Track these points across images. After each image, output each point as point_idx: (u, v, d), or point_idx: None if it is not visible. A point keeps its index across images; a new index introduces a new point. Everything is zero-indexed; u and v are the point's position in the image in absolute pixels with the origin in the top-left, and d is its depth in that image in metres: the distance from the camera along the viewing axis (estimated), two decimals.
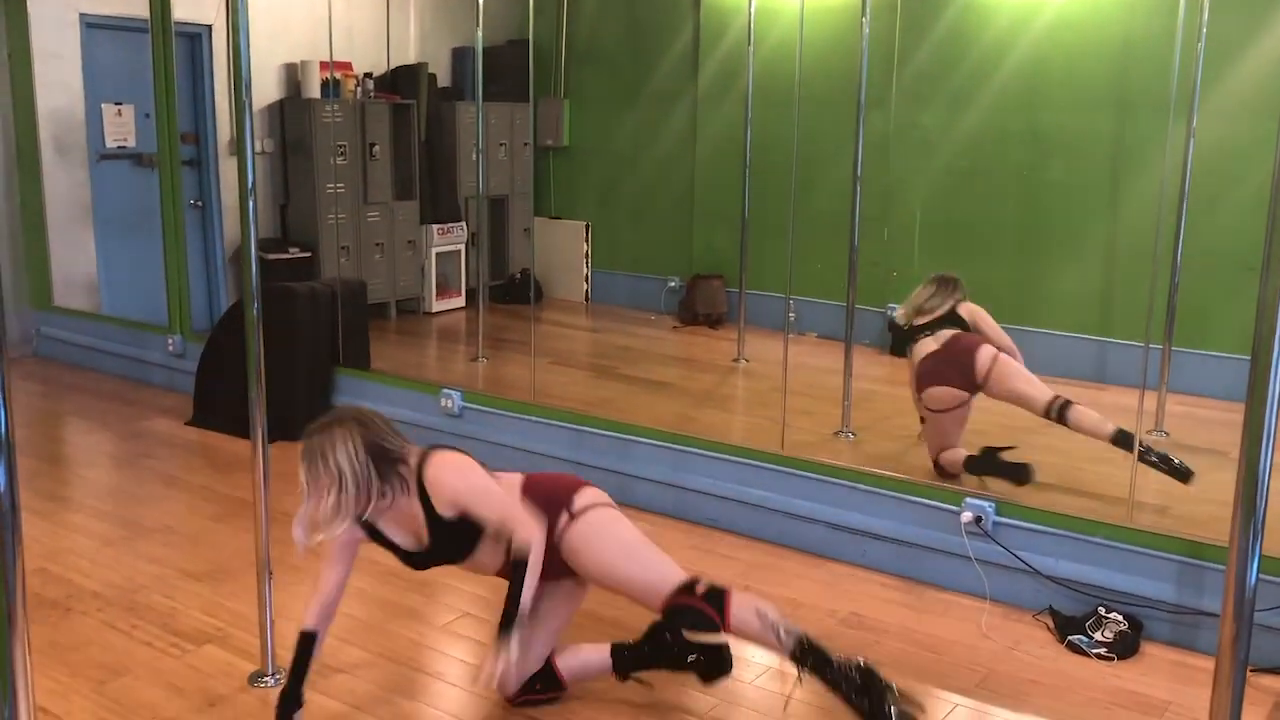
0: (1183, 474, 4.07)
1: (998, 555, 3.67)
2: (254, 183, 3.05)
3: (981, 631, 3.49)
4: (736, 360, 6.43)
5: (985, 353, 4.39)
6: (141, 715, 2.92)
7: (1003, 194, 6.27)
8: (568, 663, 2.93)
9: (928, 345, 4.53)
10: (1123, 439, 4.13)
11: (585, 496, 2.88)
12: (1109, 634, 3.34)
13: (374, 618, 3.54)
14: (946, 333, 4.53)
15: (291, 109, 6.86)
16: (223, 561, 3.93)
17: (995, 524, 3.69)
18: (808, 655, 2.65)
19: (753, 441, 4.48)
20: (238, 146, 3.07)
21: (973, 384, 4.38)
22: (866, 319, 6.35)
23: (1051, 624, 3.48)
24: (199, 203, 6.44)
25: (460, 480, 2.75)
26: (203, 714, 2.94)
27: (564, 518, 2.81)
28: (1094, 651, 3.32)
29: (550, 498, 2.84)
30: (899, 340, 4.78)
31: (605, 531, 2.82)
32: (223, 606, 3.57)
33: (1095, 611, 3.43)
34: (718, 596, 2.74)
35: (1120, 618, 3.39)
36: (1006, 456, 4.23)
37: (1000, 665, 3.29)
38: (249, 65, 3.03)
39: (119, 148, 6.74)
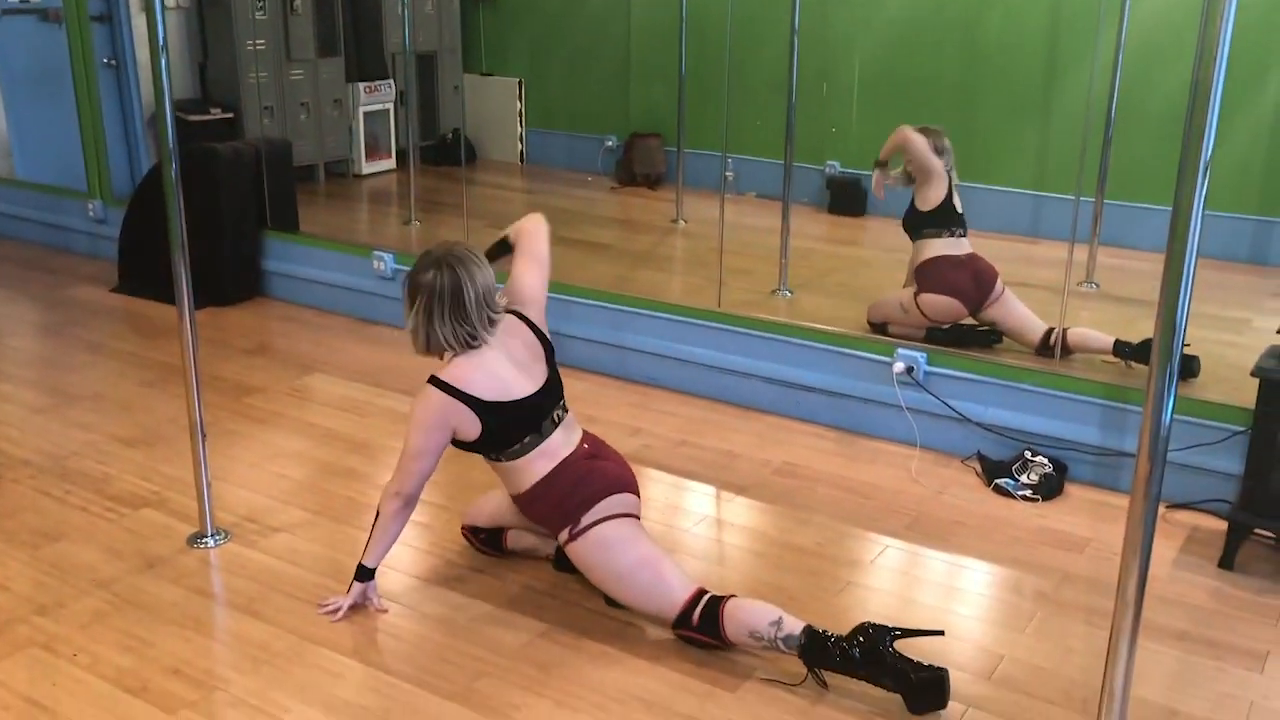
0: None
1: (928, 404, 3.74)
2: (165, 40, 2.89)
3: (912, 477, 3.58)
4: (675, 221, 6.38)
5: (999, 279, 4.21)
6: (80, 577, 2.92)
7: (943, 48, 6.18)
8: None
9: (944, 248, 4.23)
10: (1120, 347, 4.00)
11: (596, 511, 2.67)
12: (1034, 476, 3.45)
13: (312, 478, 3.54)
14: (966, 243, 4.25)
15: None
16: (155, 427, 3.89)
17: (926, 373, 3.75)
18: (811, 655, 2.48)
19: (690, 300, 4.48)
20: (145, 1, 2.90)
21: (980, 304, 4.19)
22: (806, 176, 6.31)
23: (979, 468, 3.59)
24: (113, 61, 6.13)
25: (414, 412, 2.70)
26: (142, 574, 2.94)
27: (565, 535, 2.70)
28: (1020, 493, 3.43)
29: (560, 507, 2.70)
30: (911, 224, 4.34)
31: (600, 556, 2.67)
32: (157, 471, 3.54)
33: (1022, 455, 3.53)
34: (713, 621, 2.57)
35: (1046, 461, 3.50)
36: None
37: (929, 508, 3.39)
38: None
39: (21, 2, 6.38)
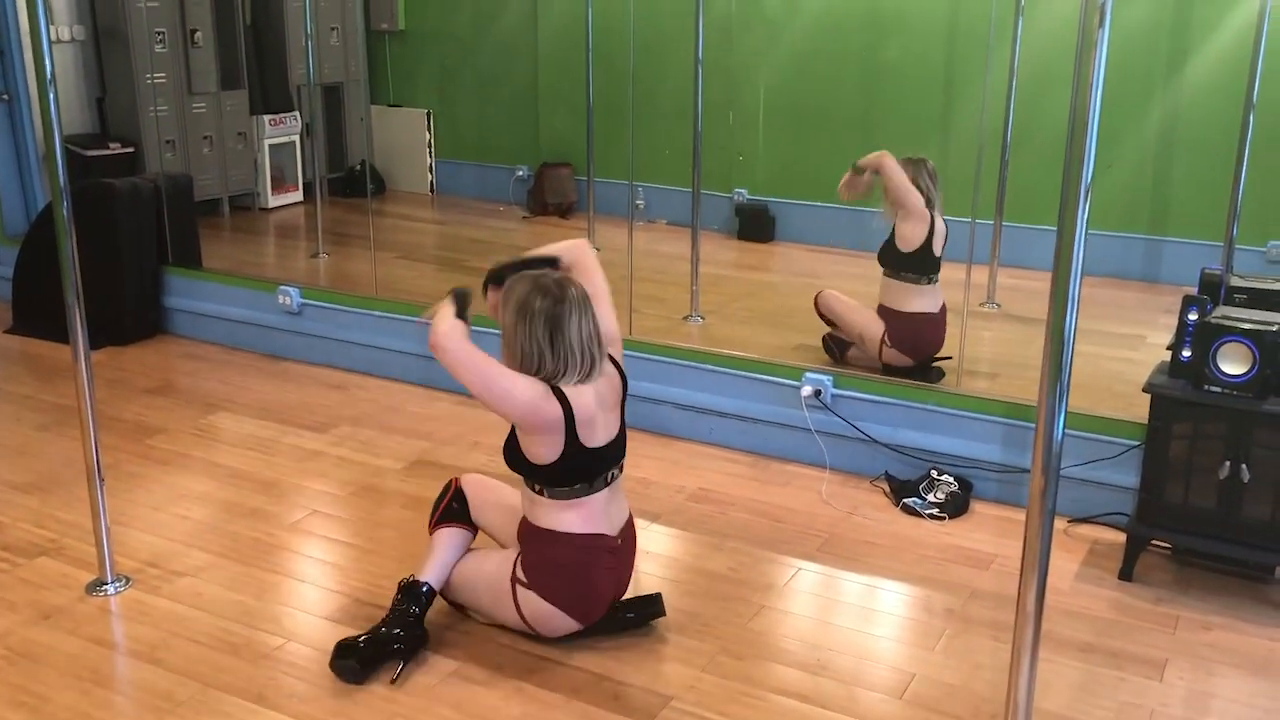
0: None
1: (837, 426, 3.80)
2: (53, 74, 2.83)
3: (822, 499, 3.62)
4: None
5: None
6: None
7: (844, 75, 6.31)
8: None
9: (921, 302, 4.19)
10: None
11: (559, 610, 2.71)
12: (941, 495, 3.52)
13: (217, 519, 3.46)
14: (939, 293, 4.22)
15: None
16: (51, 471, 3.76)
17: (834, 396, 3.81)
18: None
19: None
20: (31, 36, 2.83)
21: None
22: (715, 204, 6.38)
23: (887, 488, 3.64)
24: (5, 95, 5.97)
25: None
26: (37, 626, 2.84)
27: (520, 571, 2.71)
28: (927, 512, 3.49)
29: (550, 568, 2.71)
30: (887, 260, 4.27)
31: (505, 602, 2.75)
32: (53, 517, 3.43)
33: (928, 474, 3.59)
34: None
35: (951, 479, 3.56)
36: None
37: (840, 530, 3.43)
38: None
39: None
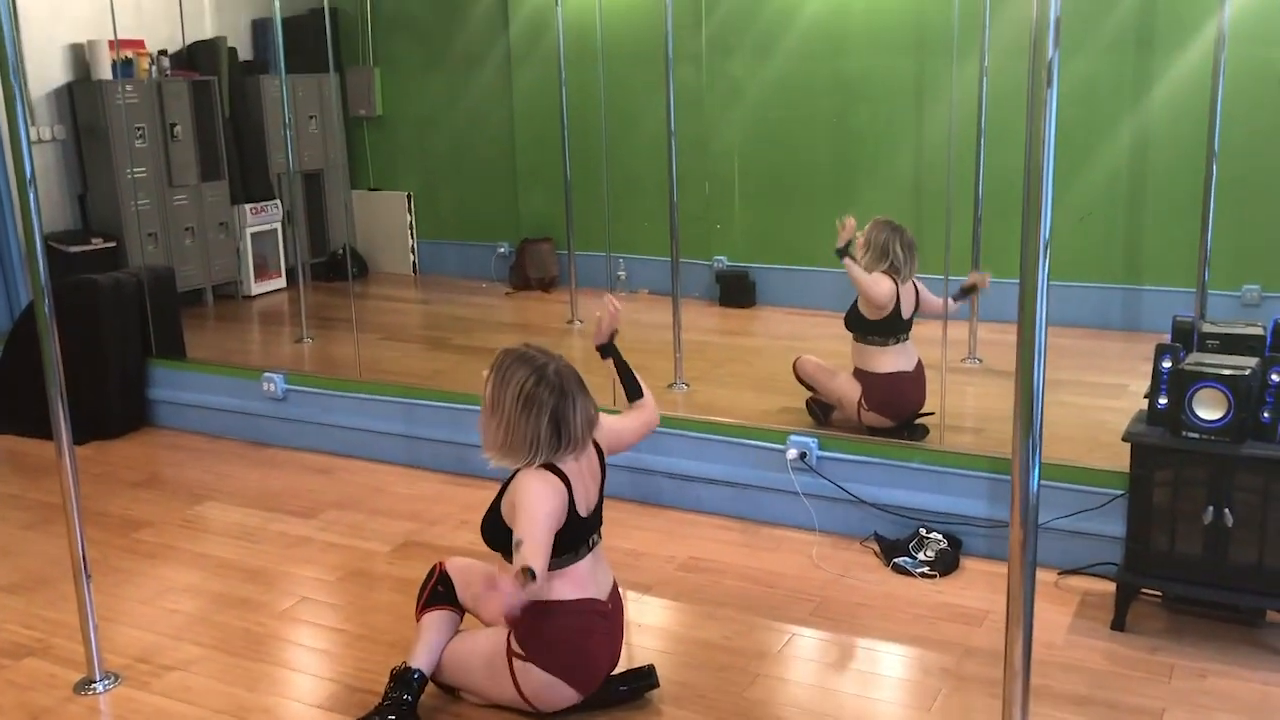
0: None
1: (823, 488, 3.80)
2: (33, 173, 2.88)
3: (813, 562, 3.62)
4: (571, 322, 6.44)
5: None
6: None
7: (813, 140, 6.43)
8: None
9: (894, 361, 4.23)
10: None
11: (555, 679, 2.71)
12: (930, 553, 3.51)
13: (206, 611, 3.43)
14: (913, 350, 4.28)
15: (81, 92, 6.47)
16: (37, 570, 3.74)
17: (819, 458, 3.82)
18: None
19: None
20: (10, 135, 2.87)
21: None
22: (695, 272, 6.45)
23: (877, 549, 3.64)
24: None
25: (532, 500, 2.62)
26: None
27: (515, 644, 2.71)
28: (918, 571, 3.48)
29: (543, 639, 2.70)
30: (853, 325, 4.32)
31: (502, 673, 2.73)
32: (40, 617, 3.40)
33: (917, 533, 3.59)
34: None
35: (940, 537, 3.57)
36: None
37: (832, 592, 3.42)
38: (16, 46, 2.86)
39: None
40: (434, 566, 2.90)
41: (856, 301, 4.31)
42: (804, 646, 3.14)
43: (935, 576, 3.46)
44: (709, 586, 3.49)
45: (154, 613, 3.42)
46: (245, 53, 7.55)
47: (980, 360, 5.16)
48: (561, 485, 2.63)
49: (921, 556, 3.51)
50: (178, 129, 6.72)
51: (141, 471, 4.72)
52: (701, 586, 3.49)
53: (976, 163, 5.20)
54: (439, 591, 2.84)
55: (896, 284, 4.24)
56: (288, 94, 6.39)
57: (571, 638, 2.68)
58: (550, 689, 2.69)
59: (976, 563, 3.57)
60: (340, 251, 7.56)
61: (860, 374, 4.27)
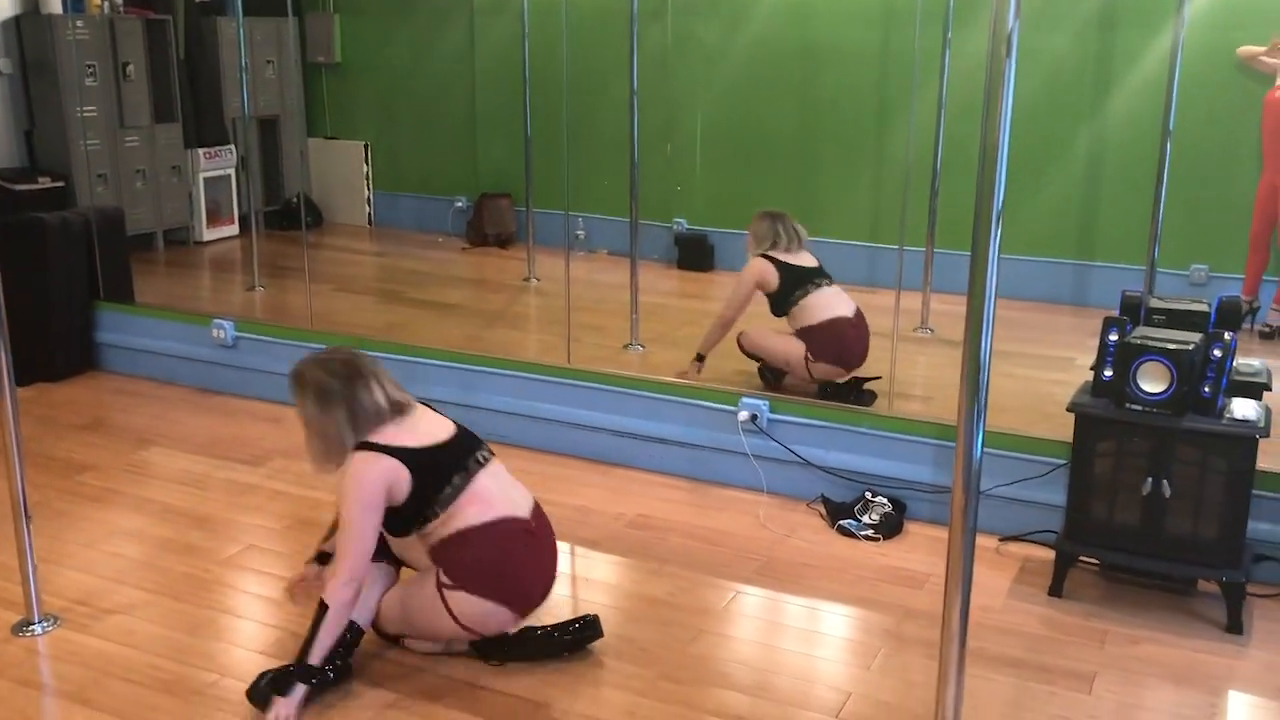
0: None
1: (773, 450, 3.84)
2: None
3: (760, 522, 3.66)
4: (527, 279, 6.41)
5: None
6: None
7: (779, 107, 6.42)
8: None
9: (829, 306, 4.30)
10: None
11: (485, 602, 2.71)
12: (875, 516, 3.56)
13: (150, 556, 3.40)
14: (844, 296, 4.38)
15: (30, 26, 6.30)
16: None
17: (770, 421, 3.85)
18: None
19: (542, 358, 4.50)
20: None
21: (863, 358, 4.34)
22: (655, 234, 6.44)
23: (824, 511, 3.69)
24: None
25: (347, 486, 2.67)
26: None
27: (443, 577, 2.72)
28: (862, 533, 3.53)
29: (471, 565, 2.72)
30: (776, 307, 4.43)
31: (434, 607, 2.73)
32: None
33: (863, 496, 3.64)
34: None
35: (885, 500, 3.62)
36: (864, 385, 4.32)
37: (777, 552, 3.46)
38: None
39: None
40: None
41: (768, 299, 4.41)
42: (748, 604, 3.18)
43: (879, 539, 3.51)
44: (656, 543, 3.52)
45: (96, 556, 3.39)
46: None
47: (932, 330, 5.22)
48: (379, 456, 2.64)
49: (866, 519, 3.56)
50: (130, 68, 6.57)
51: (86, 415, 4.66)
52: (649, 543, 3.52)
53: (936, 134, 5.23)
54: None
55: (773, 258, 4.34)
56: (245, 37, 6.26)
57: (492, 557, 2.70)
58: (486, 613, 2.71)
59: (920, 527, 3.62)
60: (295, 200, 7.45)
61: (802, 332, 4.31)
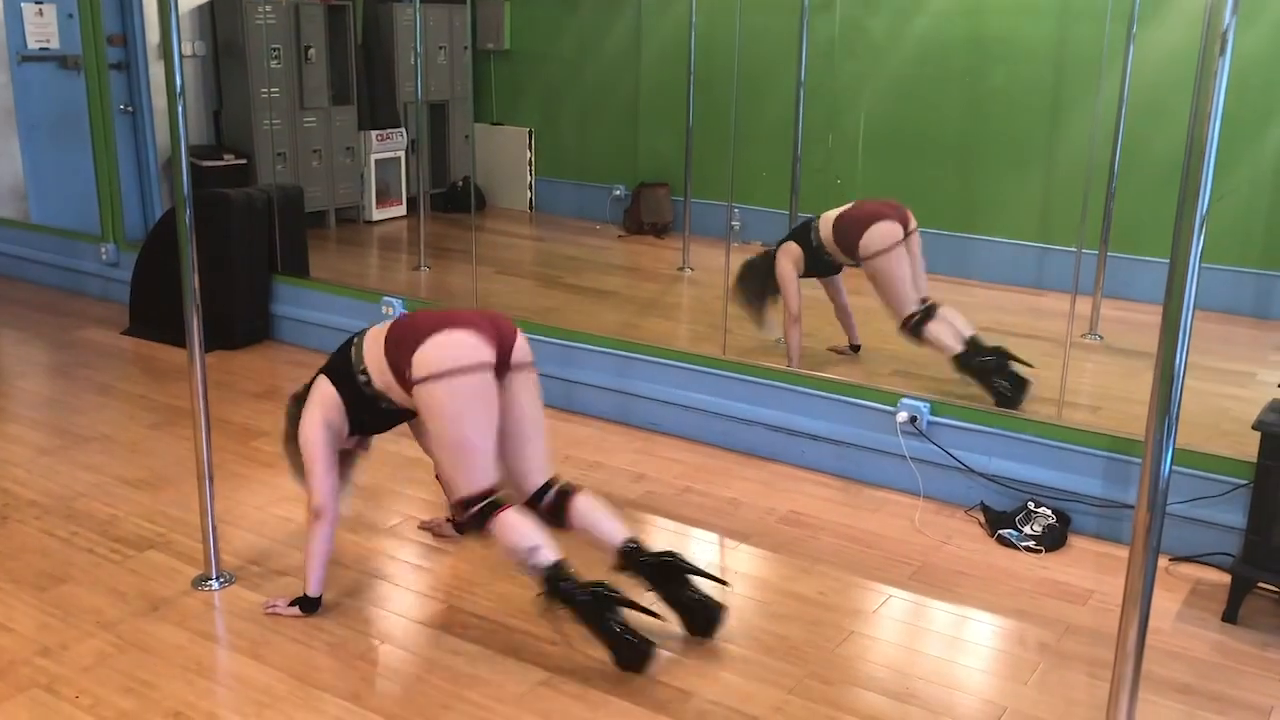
0: (1008, 398, 4.06)
1: (932, 454, 3.75)
2: (182, 87, 2.96)
3: (915, 527, 3.58)
4: (682, 269, 6.43)
5: (915, 228, 4.59)
6: (85, 619, 2.93)
7: (947, 101, 6.26)
8: (583, 516, 2.90)
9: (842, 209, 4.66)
10: (965, 359, 4.21)
11: (419, 366, 2.76)
12: (1038, 527, 3.45)
13: None
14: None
15: (223, 10, 6.63)
16: (162, 469, 3.91)
17: (930, 423, 3.76)
18: (551, 590, 2.69)
19: (696, 348, 4.51)
20: (164, 49, 2.96)
21: (905, 229, 4.51)
22: None
23: (983, 519, 3.59)
24: (129, 108, 6.24)
25: (304, 421, 2.96)
26: (146, 617, 2.95)
27: (406, 377, 2.81)
28: (1023, 544, 3.43)
29: (397, 354, 2.84)
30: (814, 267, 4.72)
31: (428, 418, 2.81)
32: (163, 513, 3.56)
33: (1025, 506, 3.53)
34: (482, 517, 2.76)
35: (1049, 512, 3.50)
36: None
37: (932, 558, 3.38)
38: None
39: (41, 49, 6.50)
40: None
41: (818, 250, 4.62)
42: (900, 609, 3.12)
43: (1041, 551, 3.40)
44: (807, 541, 3.48)
45: (268, 519, 3.55)
46: None
47: (1101, 337, 5.02)
48: (326, 391, 2.94)
49: (1028, 530, 3.45)
50: (312, 51, 6.85)
51: (262, 383, 4.88)
52: (800, 540, 3.49)
53: (1115, 134, 5.02)
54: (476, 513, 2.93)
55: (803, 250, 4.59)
56: (420, 23, 6.44)
57: (439, 352, 2.76)
58: (459, 378, 2.74)
59: (1085, 541, 3.49)
60: (460, 183, 7.66)
61: (840, 221, 4.56)
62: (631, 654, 2.69)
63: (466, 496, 2.76)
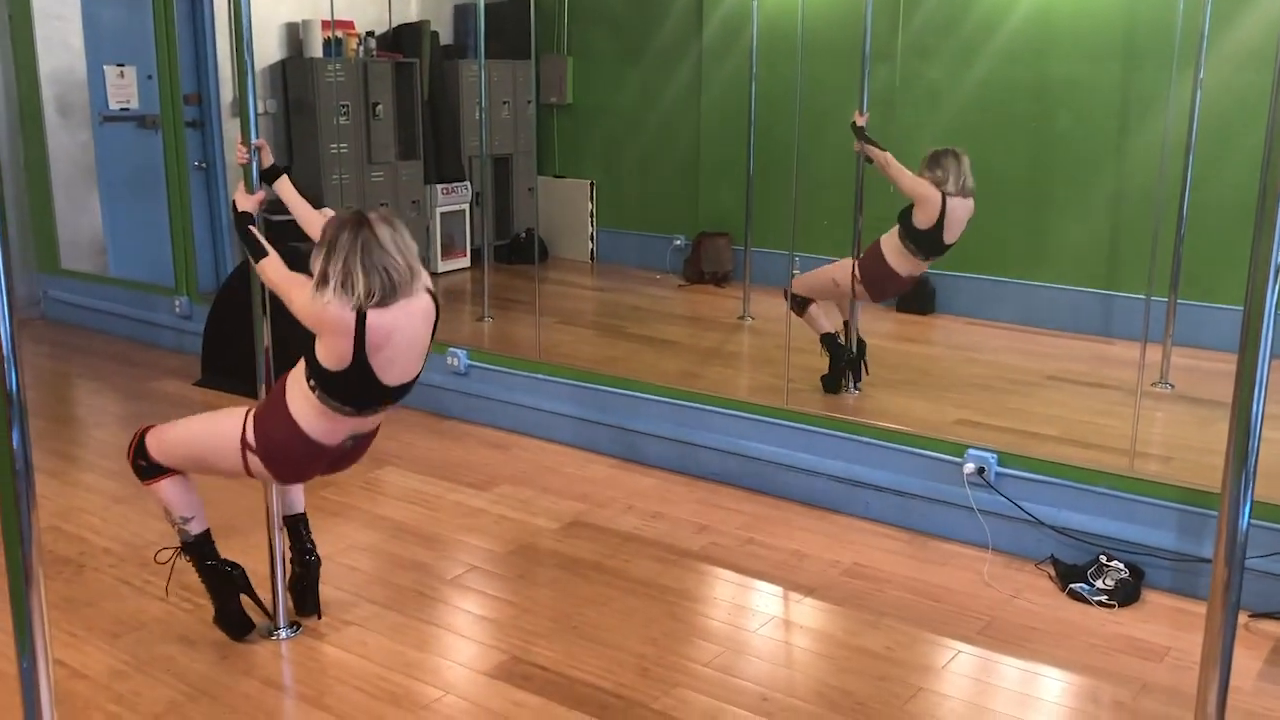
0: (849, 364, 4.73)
1: (1000, 506, 3.69)
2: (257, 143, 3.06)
3: (984, 580, 3.52)
4: (742, 318, 6.43)
5: None
6: (157, 666, 2.98)
7: (1009, 146, 6.22)
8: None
9: (910, 267, 4.75)
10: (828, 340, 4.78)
11: (260, 439, 2.93)
12: (1110, 582, 3.37)
13: (381, 571, 3.58)
14: (924, 269, 4.89)
15: (294, 69, 6.83)
16: (232, 519, 3.95)
17: (997, 475, 3.71)
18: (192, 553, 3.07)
19: (758, 397, 4.50)
20: (240, 108, 3.07)
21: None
22: None
23: (1053, 572, 3.51)
24: (203, 164, 6.44)
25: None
26: (216, 665, 2.99)
27: (252, 449, 2.94)
28: (1095, 599, 3.35)
29: (278, 447, 2.94)
30: (904, 225, 4.74)
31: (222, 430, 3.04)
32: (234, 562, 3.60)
33: (1097, 560, 3.45)
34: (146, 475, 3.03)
35: (1122, 565, 3.42)
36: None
37: (1002, 613, 3.32)
38: (250, 24, 3.04)
39: (122, 110, 6.73)
40: (131, 440, 3.05)
41: (912, 205, 4.60)
42: (969, 665, 3.06)
43: (1114, 606, 3.32)
44: (873, 594, 3.44)
45: (334, 568, 3.59)
46: (446, 37, 7.82)
47: (1172, 385, 4.92)
48: (346, 314, 2.70)
49: (1100, 584, 3.37)
50: (379, 108, 7.02)
51: None
52: (865, 594, 3.44)
53: (1184, 177, 4.95)
54: (143, 466, 3.02)
55: (943, 196, 4.51)
56: (485, 79, 6.58)
57: (298, 460, 2.90)
58: (261, 472, 2.93)
59: (1159, 596, 3.40)
60: (523, 235, 7.75)
61: (873, 254, 4.71)
62: (230, 626, 3.10)
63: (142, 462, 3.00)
